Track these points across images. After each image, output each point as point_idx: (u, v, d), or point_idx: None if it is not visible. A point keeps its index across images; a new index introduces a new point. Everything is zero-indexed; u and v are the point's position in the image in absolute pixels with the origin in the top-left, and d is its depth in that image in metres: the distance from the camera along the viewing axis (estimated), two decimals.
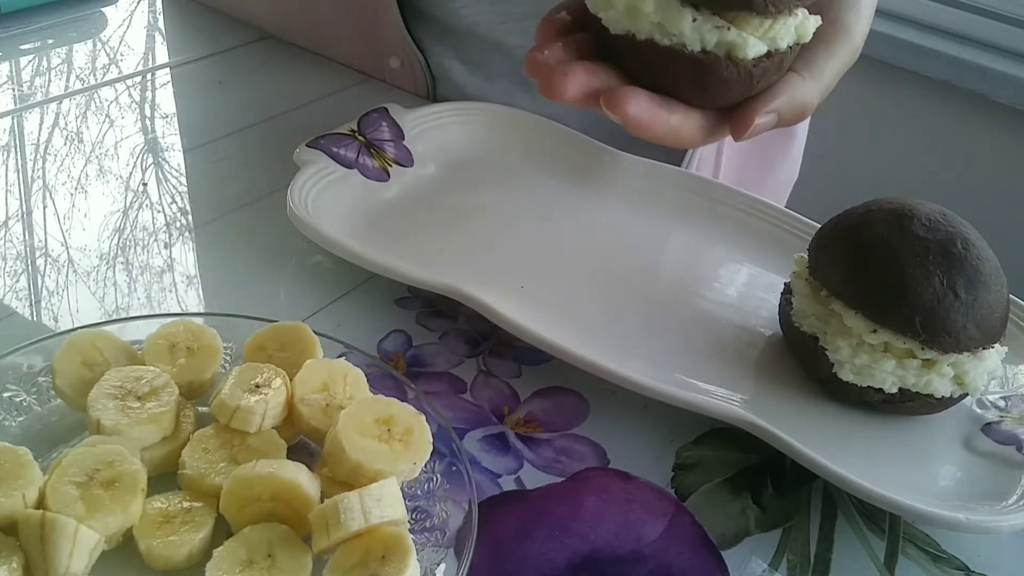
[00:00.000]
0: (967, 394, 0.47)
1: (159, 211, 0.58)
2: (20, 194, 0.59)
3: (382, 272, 0.50)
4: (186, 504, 0.37)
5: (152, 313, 0.50)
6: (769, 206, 0.61)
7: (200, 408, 0.41)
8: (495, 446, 0.45)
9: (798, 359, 0.50)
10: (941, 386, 0.45)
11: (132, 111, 0.69)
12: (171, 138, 0.66)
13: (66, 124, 0.67)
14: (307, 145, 0.58)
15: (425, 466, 0.39)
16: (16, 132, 0.65)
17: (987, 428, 0.48)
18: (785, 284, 0.51)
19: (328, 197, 0.55)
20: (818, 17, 0.43)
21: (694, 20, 0.39)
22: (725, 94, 0.41)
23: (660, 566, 0.40)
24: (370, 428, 0.38)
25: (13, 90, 0.70)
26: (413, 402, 0.41)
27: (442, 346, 0.50)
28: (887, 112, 1.51)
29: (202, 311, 0.51)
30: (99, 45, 0.78)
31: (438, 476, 0.40)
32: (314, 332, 0.43)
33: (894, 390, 0.46)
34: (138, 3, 0.85)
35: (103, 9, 0.84)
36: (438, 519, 0.39)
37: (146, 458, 0.38)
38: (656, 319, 0.52)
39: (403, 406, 0.40)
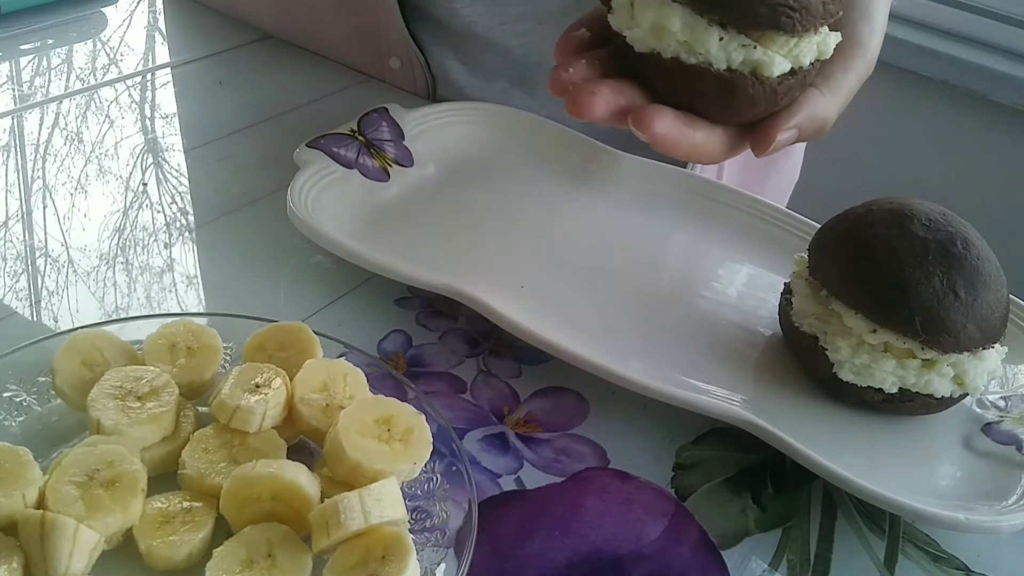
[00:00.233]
0: (967, 394, 0.47)
1: (159, 211, 0.58)
2: (20, 194, 0.59)
3: (382, 272, 0.50)
4: (186, 504, 0.37)
5: (152, 313, 0.50)
6: (769, 206, 0.61)
7: (200, 408, 0.41)
8: (495, 446, 0.45)
9: (798, 359, 0.50)
10: (941, 386, 0.45)
11: (132, 111, 0.69)
12: (171, 138, 0.66)
13: (66, 124, 0.67)
14: (307, 145, 0.58)
15: (425, 466, 0.39)
16: (16, 132, 0.65)
17: (987, 428, 0.48)
18: (785, 284, 0.51)
19: (328, 197, 0.55)
20: (838, 34, 0.43)
21: (721, 39, 0.39)
22: (749, 111, 0.41)
23: (660, 566, 0.40)
24: (370, 428, 0.38)
25: (13, 90, 0.70)
26: (413, 402, 0.41)
27: (442, 346, 0.50)
28: (887, 112, 1.51)
29: (202, 311, 0.51)
30: (99, 45, 0.78)
31: (438, 476, 0.40)
32: (314, 332, 0.43)
33: (894, 390, 0.46)
34: (138, 3, 0.85)
35: (103, 9, 0.84)
36: (438, 519, 0.39)
37: (146, 458, 0.38)
38: (656, 319, 0.52)
39: (403, 406, 0.40)
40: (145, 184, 0.61)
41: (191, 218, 0.58)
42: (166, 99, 0.72)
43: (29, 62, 0.75)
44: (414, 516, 0.39)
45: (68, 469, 0.35)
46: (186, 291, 0.52)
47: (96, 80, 0.73)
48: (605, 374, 0.46)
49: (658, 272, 0.57)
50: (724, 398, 0.47)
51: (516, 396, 0.48)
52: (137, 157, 0.63)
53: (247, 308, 0.47)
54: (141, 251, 0.55)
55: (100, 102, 0.70)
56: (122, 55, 0.77)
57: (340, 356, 0.44)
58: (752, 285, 0.56)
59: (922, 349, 0.45)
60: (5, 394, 0.40)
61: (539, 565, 0.40)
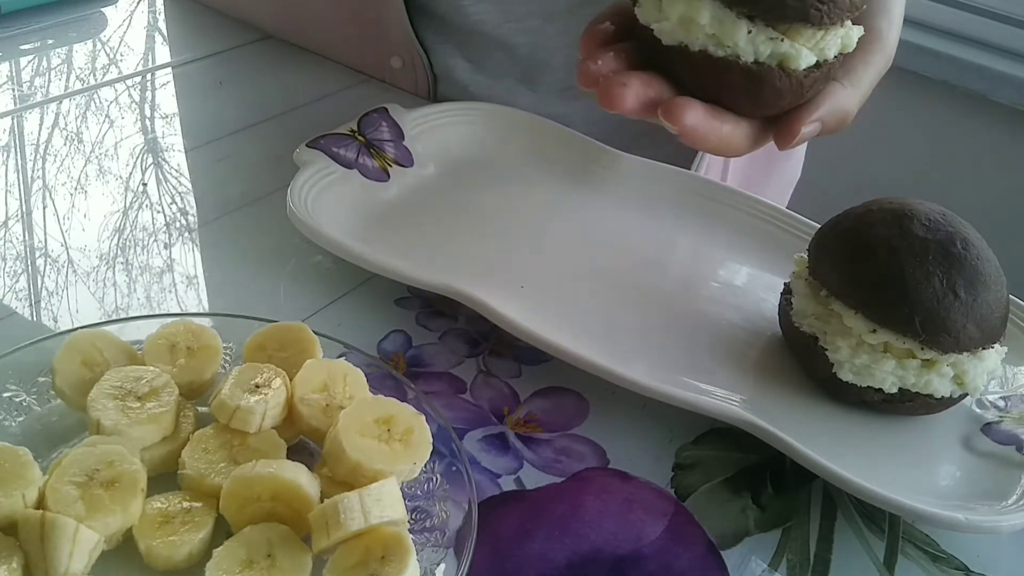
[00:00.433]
0: (967, 394, 0.47)
1: (159, 211, 0.58)
2: (20, 194, 0.59)
3: (382, 272, 0.50)
4: (186, 504, 0.37)
5: (152, 313, 0.50)
6: (769, 206, 0.61)
7: (200, 408, 0.41)
8: (495, 446, 0.45)
9: (798, 359, 0.50)
10: (941, 386, 0.45)
11: (132, 111, 0.69)
12: (171, 138, 0.66)
13: (66, 124, 0.67)
14: (307, 145, 0.58)
15: (425, 466, 0.39)
16: (16, 132, 0.65)
17: (987, 428, 0.48)
18: (785, 284, 0.51)
19: (328, 197, 0.55)
20: (861, 27, 0.43)
21: (749, 32, 0.39)
22: (776, 103, 0.42)
23: (660, 566, 0.40)
24: (370, 428, 0.38)
25: (13, 90, 0.70)
26: (413, 402, 0.41)
27: (442, 346, 0.50)
28: (887, 112, 1.51)
29: (202, 311, 0.51)
30: (99, 45, 0.78)
31: (438, 476, 0.40)
32: (314, 332, 0.43)
33: (894, 390, 0.46)
34: (138, 3, 0.85)
35: (103, 9, 0.84)
36: (438, 519, 0.39)
37: (146, 458, 0.38)
38: (656, 319, 0.52)
39: (403, 406, 0.40)
40: (145, 184, 0.61)
41: (191, 218, 0.58)
42: (166, 99, 0.72)
43: (29, 62, 0.75)
44: (414, 516, 0.39)
45: (68, 469, 0.35)
46: (186, 291, 0.52)
47: (96, 80, 0.73)
48: (605, 374, 0.46)
49: (658, 272, 0.57)
50: (724, 398, 0.47)
51: (516, 396, 0.48)
52: (137, 157, 0.63)
53: (247, 308, 0.47)
54: (141, 251, 0.55)
55: (100, 102, 0.70)
56: (122, 55, 0.77)
57: (340, 356, 0.44)
58: (752, 285, 0.56)
59: (922, 349, 0.45)
60: (5, 394, 0.40)
61: (539, 565, 0.40)
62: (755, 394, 0.48)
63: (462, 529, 0.38)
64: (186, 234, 0.57)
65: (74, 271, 0.53)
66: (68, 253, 0.54)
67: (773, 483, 0.45)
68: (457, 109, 0.66)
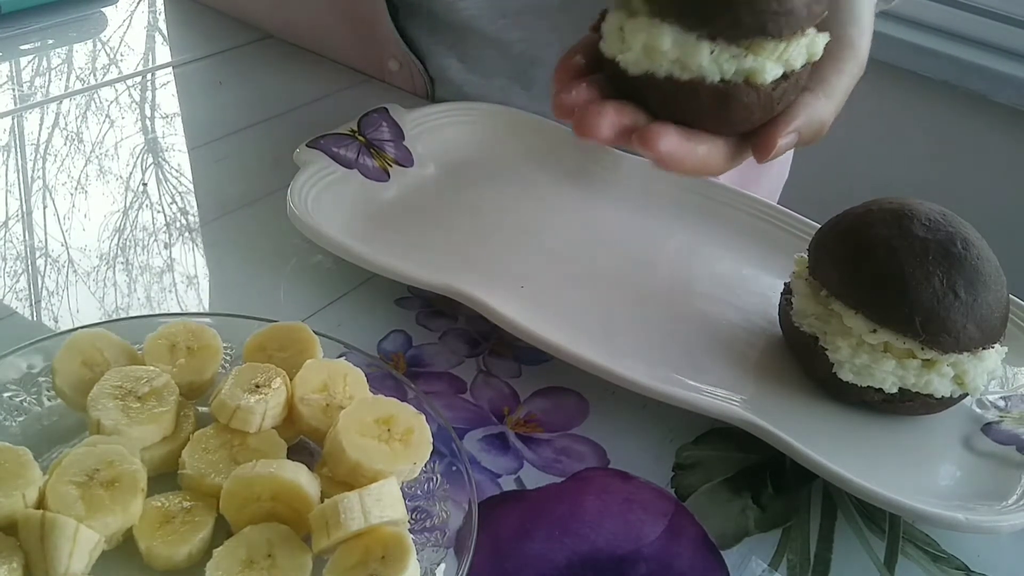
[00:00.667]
0: (967, 394, 0.47)
1: (159, 211, 0.58)
2: (20, 194, 0.59)
3: (382, 272, 0.50)
4: (186, 504, 0.37)
5: (152, 313, 0.50)
6: (769, 206, 0.61)
7: (200, 408, 0.41)
8: (495, 446, 0.45)
9: (798, 359, 0.50)
10: (941, 386, 0.45)
11: (132, 111, 0.69)
12: (171, 138, 0.66)
13: (66, 124, 0.67)
14: (307, 145, 0.58)
15: (425, 466, 0.39)
16: (16, 132, 0.65)
17: (987, 428, 0.48)
18: (785, 284, 0.51)
19: (328, 197, 0.55)
20: (826, 34, 0.43)
21: (711, 52, 0.39)
22: (747, 119, 0.42)
23: (660, 566, 0.40)
24: (370, 428, 0.38)
25: (13, 90, 0.70)
26: (413, 402, 0.41)
27: (442, 346, 0.50)
28: (887, 112, 1.51)
29: (202, 311, 0.51)
30: (99, 45, 0.78)
31: (438, 476, 0.40)
32: (314, 332, 0.43)
33: (894, 390, 0.46)
34: (138, 3, 0.85)
35: (103, 9, 0.84)
36: (438, 519, 0.39)
37: (146, 458, 0.38)
38: (656, 319, 0.52)
39: (403, 406, 0.40)
40: (145, 184, 0.61)
41: (191, 218, 0.58)
42: (166, 99, 0.72)
43: (29, 62, 0.75)
44: (414, 516, 0.39)
45: (68, 469, 0.35)
46: (186, 291, 0.52)
47: (96, 80, 0.73)
48: (605, 374, 0.46)
49: (658, 272, 0.57)
50: (724, 398, 0.47)
51: (516, 396, 0.48)
52: (137, 157, 0.63)
53: (247, 308, 0.47)
54: (141, 251, 0.55)
55: (100, 102, 0.70)
56: (122, 55, 0.77)
57: (340, 356, 0.44)
58: (752, 285, 0.56)
59: (922, 349, 0.45)
60: (5, 394, 0.40)
61: (539, 565, 0.40)
62: (755, 394, 0.48)
63: (462, 529, 0.38)
64: (186, 234, 0.57)
65: (74, 271, 0.53)
66: (68, 253, 0.54)
67: (773, 483, 0.45)
68: (457, 109, 0.66)
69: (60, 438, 0.40)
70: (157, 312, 0.50)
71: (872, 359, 0.46)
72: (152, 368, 0.40)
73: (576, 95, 0.42)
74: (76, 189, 0.59)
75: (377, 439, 0.38)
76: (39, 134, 0.65)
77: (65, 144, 0.64)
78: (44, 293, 0.51)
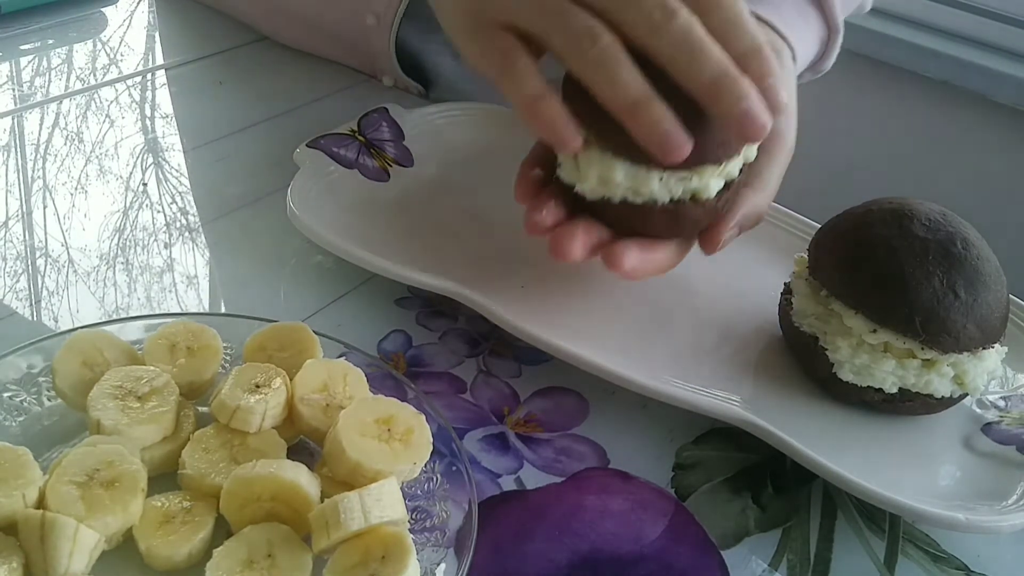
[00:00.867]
0: (967, 394, 0.47)
1: (159, 211, 0.58)
2: (20, 194, 0.59)
3: (382, 272, 0.50)
4: (186, 504, 0.37)
5: (152, 313, 0.50)
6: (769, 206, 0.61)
7: (200, 408, 0.41)
8: (495, 446, 0.45)
9: (798, 359, 0.50)
10: (941, 386, 0.45)
11: (132, 111, 0.69)
12: (171, 138, 0.66)
13: (66, 124, 0.67)
14: (307, 145, 0.58)
15: (425, 466, 0.39)
16: (16, 132, 0.65)
17: (987, 428, 0.48)
18: (785, 284, 0.51)
19: (328, 197, 0.55)
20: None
21: (660, 179, 0.43)
22: (696, 228, 0.47)
23: (660, 566, 0.40)
24: (370, 428, 0.38)
25: (13, 90, 0.70)
26: (413, 402, 0.41)
27: (442, 346, 0.50)
28: (887, 112, 1.51)
29: (202, 311, 0.51)
30: (99, 45, 0.78)
31: (438, 476, 0.40)
32: (314, 332, 0.43)
33: (894, 390, 0.46)
34: (138, 3, 0.85)
35: (103, 9, 0.84)
36: (438, 519, 0.39)
37: (146, 458, 0.38)
38: (656, 319, 0.52)
39: (403, 406, 0.40)
40: (145, 184, 0.61)
41: (191, 218, 0.58)
42: (166, 99, 0.72)
43: (29, 62, 0.75)
44: (414, 516, 0.39)
45: (68, 469, 0.35)
46: (186, 291, 0.52)
47: (96, 80, 0.73)
48: (605, 374, 0.46)
49: None
50: (724, 398, 0.47)
51: (516, 396, 0.48)
52: (137, 157, 0.63)
53: (247, 308, 0.47)
54: (141, 251, 0.55)
55: (100, 102, 0.70)
56: (122, 55, 0.77)
57: (340, 356, 0.44)
58: (752, 285, 0.56)
59: (922, 349, 0.45)
60: (5, 394, 0.40)
61: (539, 565, 0.40)
62: (755, 394, 0.48)
63: (462, 529, 0.38)
64: (186, 234, 0.57)
65: (74, 271, 0.53)
66: (68, 253, 0.54)
67: (773, 483, 0.45)
68: (457, 109, 0.66)
69: (60, 438, 0.40)
70: (157, 312, 0.50)
71: (872, 359, 0.46)
72: (152, 368, 0.40)
73: (546, 216, 0.45)
74: (76, 189, 0.59)
75: (377, 439, 0.38)
76: (39, 134, 0.65)
77: (65, 144, 0.64)
78: (44, 293, 0.51)
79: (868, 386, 0.46)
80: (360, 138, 0.60)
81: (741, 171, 0.46)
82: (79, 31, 0.80)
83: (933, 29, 1.48)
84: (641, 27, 0.41)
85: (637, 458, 0.45)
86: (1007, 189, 1.47)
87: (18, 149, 0.63)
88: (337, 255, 0.51)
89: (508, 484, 0.43)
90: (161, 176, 0.62)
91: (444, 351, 0.50)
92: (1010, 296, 0.48)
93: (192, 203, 0.60)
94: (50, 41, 0.78)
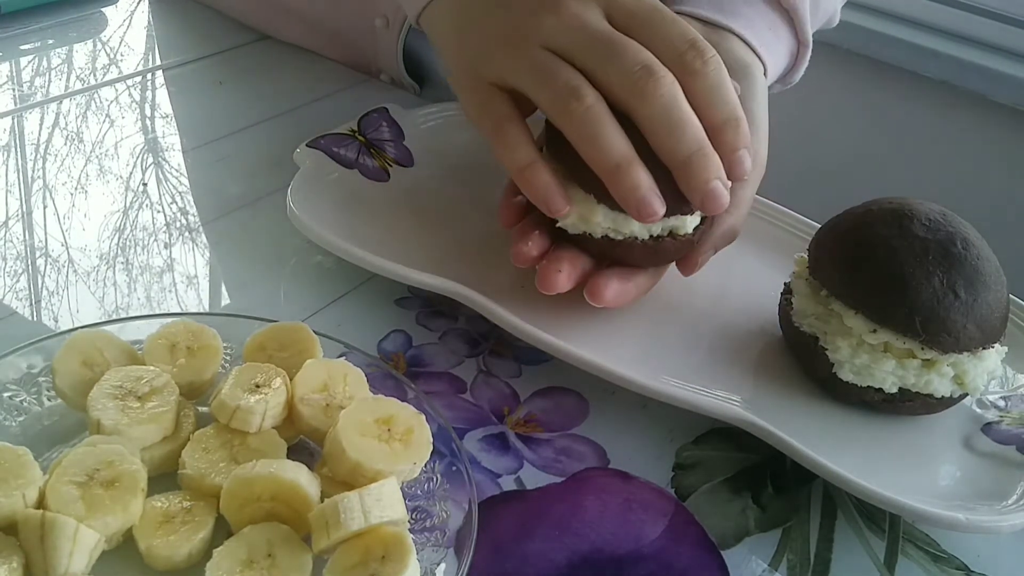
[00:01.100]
0: (967, 394, 0.47)
1: (159, 211, 0.58)
2: (20, 194, 0.59)
3: (382, 272, 0.50)
4: (186, 504, 0.37)
5: (152, 313, 0.50)
6: (769, 206, 0.61)
7: (200, 408, 0.41)
8: (495, 446, 0.45)
9: (798, 359, 0.50)
10: (941, 386, 0.45)
11: (132, 111, 0.69)
12: (171, 138, 0.66)
13: (66, 124, 0.67)
14: (307, 145, 0.58)
15: (425, 466, 0.39)
16: (16, 132, 0.65)
17: (987, 428, 0.48)
18: (785, 284, 0.51)
19: (328, 197, 0.55)
20: None
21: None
22: (674, 258, 0.49)
23: (660, 566, 0.40)
24: (370, 428, 0.38)
25: (13, 90, 0.70)
26: (413, 402, 0.41)
27: (442, 346, 0.50)
28: (887, 112, 1.51)
29: (202, 311, 0.51)
30: (99, 45, 0.78)
31: (438, 476, 0.40)
32: (314, 332, 0.43)
33: (894, 390, 0.46)
34: (138, 3, 0.85)
35: (103, 9, 0.84)
36: (438, 519, 0.39)
37: (146, 458, 0.38)
38: (656, 319, 0.52)
39: (403, 406, 0.40)
40: (145, 184, 0.61)
41: (191, 218, 0.58)
42: (166, 99, 0.72)
43: (29, 62, 0.75)
44: (414, 516, 0.39)
45: (68, 469, 0.35)
46: (186, 291, 0.52)
47: (96, 80, 0.73)
48: (605, 374, 0.46)
49: None
50: (724, 398, 0.47)
51: (516, 396, 0.48)
52: (137, 157, 0.63)
53: (247, 308, 0.47)
54: (141, 251, 0.55)
55: (100, 102, 0.70)
56: (122, 55, 0.77)
57: (340, 356, 0.44)
58: (752, 285, 0.56)
59: (922, 349, 0.45)
60: (5, 394, 0.40)
61: (539, 565, 0.40)
62: (755, 394, 0.48)
63: (462, 529, 0.38)
64: (186, 234, 0.57)
65: (74, 271, 0.53)
66: (68, 253, 0.54)
67: (773, 483, 0.45)
68: (457, 109, 0.65)
69: (60, 438, 0.40)
70: (157, 312, 0.50)
71: (872, 359, 0.46)
72: (152, 368, 0.40)
73: (532, 247, 0.48)
74: (76, 189, 0.59)
75: (377, 439, 0.38)
76: (39, 134, 0.65)
77: (65, 144, 0.64)
78: (44, 293, 0.51)
79: (868, 386, 0.46)
80: (360, 138, 0.60)
81: None
82: (79, 31, 0.80)
83: (933, 29, 1.48)
84: (625, 88, 0.44)
85: (637, 458, 0.45)
86: (1007, 189, 1.47)
87: (18, 149, 0.63)
88: (337, 255, 0.51)
89: (508, 484, 0.43)
90: (161, 176, 0.62)
91: (444, 351, 0.50)
92: (1010, 296, 0.48)
93: (192, 203, 0.60)
94: (50, 41, 0.78)
